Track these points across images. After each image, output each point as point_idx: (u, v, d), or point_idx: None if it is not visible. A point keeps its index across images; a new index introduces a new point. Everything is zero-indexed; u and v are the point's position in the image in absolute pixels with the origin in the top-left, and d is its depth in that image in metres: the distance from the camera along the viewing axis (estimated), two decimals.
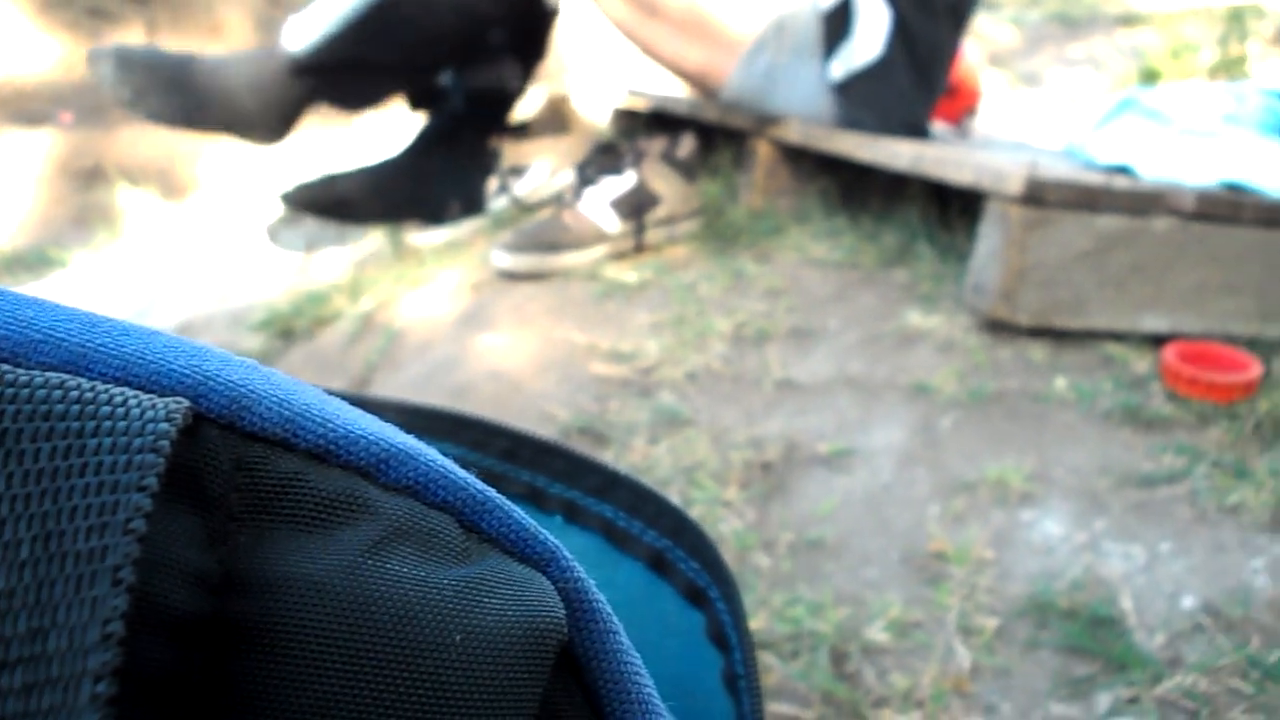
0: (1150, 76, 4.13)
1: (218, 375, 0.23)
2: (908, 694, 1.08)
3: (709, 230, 2.14)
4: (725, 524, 1.31)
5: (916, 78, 2.12)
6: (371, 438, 0.24)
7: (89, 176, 3.77)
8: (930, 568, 1.23)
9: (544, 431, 1.47)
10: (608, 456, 1.43)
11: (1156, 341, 1.58)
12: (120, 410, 0.20)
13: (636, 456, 1.43)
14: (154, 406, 0.20)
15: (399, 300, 2.06)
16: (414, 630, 0.22)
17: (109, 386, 0.21)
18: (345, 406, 0.26)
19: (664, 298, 1.84)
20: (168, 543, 0.20)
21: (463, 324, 1.84)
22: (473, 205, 2.41)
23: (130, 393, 0.21)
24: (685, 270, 1.96)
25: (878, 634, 1.15)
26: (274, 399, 0.24)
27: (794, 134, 2.14)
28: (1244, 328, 1.63)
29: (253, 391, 0.23)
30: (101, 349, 0.23)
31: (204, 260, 2.87)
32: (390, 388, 1.73)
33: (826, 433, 1.46)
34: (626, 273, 1.94)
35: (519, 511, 0.26)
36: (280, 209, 2.36)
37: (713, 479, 1.38)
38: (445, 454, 0.30)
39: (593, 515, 0.44)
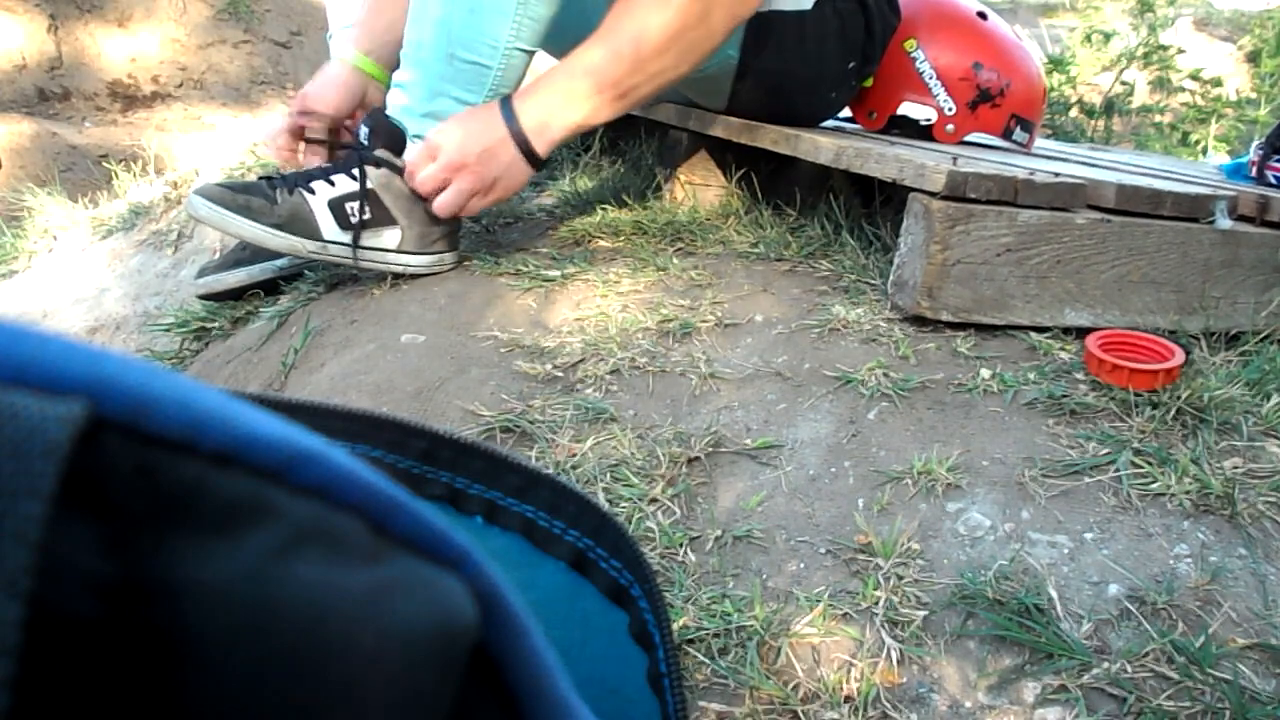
0: (1060, 65, 4.20)
1: (117, 378, 0.23)
2: (837, 688, 1.09)
3: (632, 224, 2.13)
4: (652, 520, 1.31)
5: (842, 50, 2.07)
6: (277, 439, 0.24)
7: None
8: (857, 560, 1.23)
9: (467, 430, 1.46)
10: (532, 455, 1.42)
11: (1080, 332, 1.59)
12: (12, 416, 0.19)
13: (561, 454, 1.42)
14: (49, 411, 0.20)
15: (317, 298, 2.04)
16: (322, 634, 0.22)
17: (1, 391, 0.20)
18: (251, 408, 0.25)
19: (587, 293, 1.84)
20: (66, 550, 0.19)
21: (382, 322, 1.82)
22: None
23: (24, 398, 0.20)
24: (608, 264, 1.96)
25: (806, 628, 1.15)
26: (176, 401, 0.23)
27: (716, 127, 2.14)
28: (1164, 321, 1.65)
29: (154, 394, 0.23)
30: None
31: (114, 261, 2.83)
32: (307, 388, 1.71)
33: (753, 426, 1.46)
34: (549, 268, 1.93)
35: (430, 512, 0.26)
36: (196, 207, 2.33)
37: (639, 475, 1.38)
38: (362, 456, 0.29)
39: (513, 515, 0.43)
